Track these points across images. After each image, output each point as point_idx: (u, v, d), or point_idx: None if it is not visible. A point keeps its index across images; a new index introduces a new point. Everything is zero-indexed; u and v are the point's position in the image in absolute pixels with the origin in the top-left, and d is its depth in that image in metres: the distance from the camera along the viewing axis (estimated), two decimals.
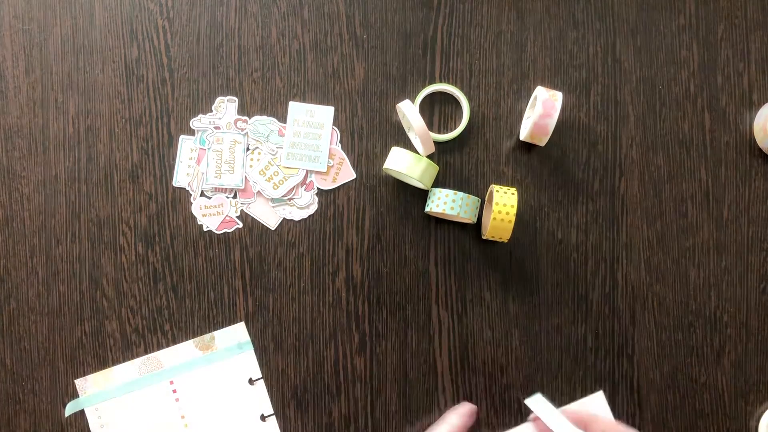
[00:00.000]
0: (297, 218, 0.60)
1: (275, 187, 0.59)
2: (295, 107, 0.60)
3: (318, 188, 0.60)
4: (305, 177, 0.60)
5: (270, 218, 0.60)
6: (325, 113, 0.60)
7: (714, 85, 0.61)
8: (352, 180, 0.61)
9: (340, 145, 0.61)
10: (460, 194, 0.56)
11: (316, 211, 0.60)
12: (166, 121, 0.61)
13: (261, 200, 0.60)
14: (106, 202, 0.60)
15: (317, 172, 0.60)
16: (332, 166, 0.60)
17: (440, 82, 0.61)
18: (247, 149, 0.60)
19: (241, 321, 0.60)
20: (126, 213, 0.60)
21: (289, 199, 0.59)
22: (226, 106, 0.61)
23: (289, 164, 0.60)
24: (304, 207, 0.60)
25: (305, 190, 0.60)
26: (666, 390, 0.60)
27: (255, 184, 0.59)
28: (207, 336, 0.59)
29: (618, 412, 0.59)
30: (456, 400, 0.59)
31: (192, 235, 0.60)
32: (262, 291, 0.60)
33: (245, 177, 0.60)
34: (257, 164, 0.59)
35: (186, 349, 0.59)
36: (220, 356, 0.59)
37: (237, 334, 0.59)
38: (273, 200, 0.60)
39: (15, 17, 0.61)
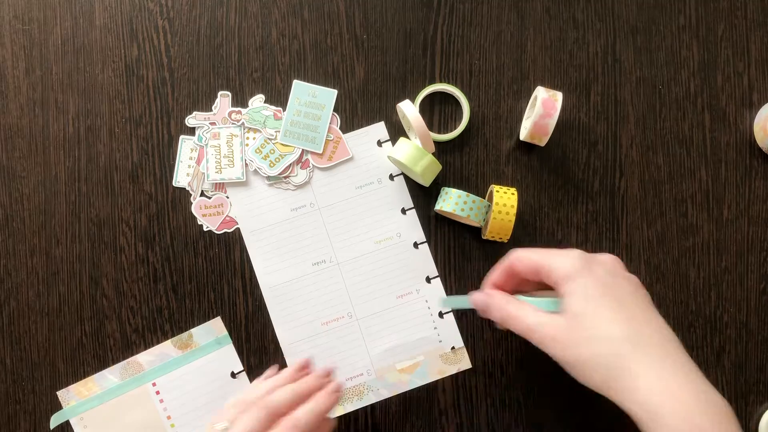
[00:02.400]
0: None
1: (271, 165, 0.59)
2: (299, 86, 0.60)
3: (313, 165, 0.60)
4: (301, 155, 0.60)
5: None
6: (327, 95, 0.60)
7: (714, 85, 0.61)
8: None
9: (340, 132, 0.61)
10: (472, 196, 0.56)
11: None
12: (166, 121, 0.61)
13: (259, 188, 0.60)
14: (106, 202, 0.60)
15: (313, 153, 0.60)
16: (330, 141, 0.60)
17: (440, 82, 0.61)
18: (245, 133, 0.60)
19: (217, 317, 0.60)
20: (126, 213, 0.60)
21: (285, 177, 0.59)
22: (219, 101, 0.61)
23: (286, 141, 0.59)
24: (299, 185, 0.59)
25: (301, 168, 0.60)
26: None
27: (252, 163, 0.59)
28: (184, 335, 0.59)
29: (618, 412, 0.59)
30: (456, 401, 0.59)
31: (192, 235, 0.60)
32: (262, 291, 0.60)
33: (245, 166, 0.59)
34: (253, 143, 0.59)
35: (165, 350, 0.59)
36: (200, 353, 0.59)
37: (214, 329, 0.59)
38: (269, 178, 0.60)
39: (15, 17, 0.61)
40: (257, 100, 0.61)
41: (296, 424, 0.49)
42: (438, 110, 0.61)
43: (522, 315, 0.48)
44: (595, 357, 0.44)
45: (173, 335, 0.59)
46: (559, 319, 0.46)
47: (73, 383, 0.59)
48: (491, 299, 0.50)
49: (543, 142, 0.58)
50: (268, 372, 0.57)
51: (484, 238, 0.58)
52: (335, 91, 0.61)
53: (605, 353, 0.43)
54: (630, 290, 0.47)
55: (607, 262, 0.48)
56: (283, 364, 0.59)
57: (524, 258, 0.50)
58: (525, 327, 0.47)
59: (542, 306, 0.48)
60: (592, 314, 0.44)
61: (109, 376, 0.59)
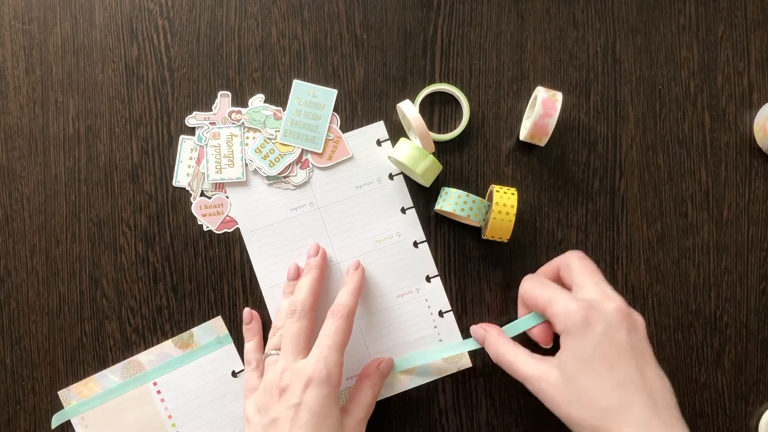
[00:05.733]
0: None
1: (271, 164, 0.59)
2: (299, 86, 0.60)
3: (313, 165, 0.60)
4: (301, 155, 0.60)
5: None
6: (327, 95, 0.60)
7: (714, 85, 0.61)
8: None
9: (340, 132, 0.61)
10: (472, 196, 0.56)
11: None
12: (166, 121, 0.61)
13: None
14: (106, 202, 0.60)
15: (313, 152, 0.60)
16: (330, 140, 0.60)
17: (440, 82, 0.61)
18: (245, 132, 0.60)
19: (217, 316, 0.60)
20: (126, 213, 0.60)
21: (285, 177, 0.60)
22: (219, 101, 0.61)
23: (286, 141, 0.60)
24: (299, 185, 0.60)
25: (301, 167, 0.60)
26: None
27: (251, 162, 0.59)
28: (185, 334, 0.59)
29: None
30: (456, 401, 0.59)
31: (192, 235, 0.60)
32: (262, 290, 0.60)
33: (245, 166, 0.59)
34: (253, 142, 0.59)
35: (166, 349, 0.59)
36: (201, 352, 0.59)
37: (215, 328, 0.59)
38: (269, 178, 0.60)
39: (15, 17, 0.61)
40: (257, 100, 0.61)
41: (344, 311, 0.53)
42: (438, 110, 0.61)
43: (517, 362, 0.52)
44: (582, 419, 0.47)
45: (173, 335, 0.59)
46: (554, 373, 0.49)
47: (73, 383, 0.59)
48: (488, 336, 0.55)
49: (543, 142, 0.58)
50: (246, 318, 0.59)
51: (484, 238, 0.58)
52: (335, 91, 0.61)
53: (591, 417, 0.47)
54: (624, 346, 0.48)
55: (609, 312, 0.49)
56: None
57: (529, 298, 0.54)
58: (521, 376, 0.51)
59: (526, 323, 0.54)
60: (583, 380, 0.48)
61: (110, 376, 0.59)
